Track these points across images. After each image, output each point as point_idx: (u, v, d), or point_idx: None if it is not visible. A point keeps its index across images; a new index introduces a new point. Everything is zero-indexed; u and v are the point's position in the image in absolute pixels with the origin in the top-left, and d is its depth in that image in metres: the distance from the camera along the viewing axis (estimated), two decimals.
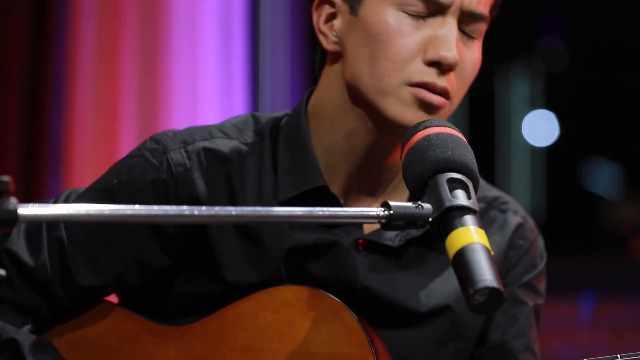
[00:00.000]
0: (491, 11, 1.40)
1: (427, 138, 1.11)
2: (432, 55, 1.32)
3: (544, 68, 8.00)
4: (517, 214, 1.53)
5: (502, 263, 1.47)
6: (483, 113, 7.53)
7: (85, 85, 3.24)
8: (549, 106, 8.03)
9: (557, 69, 8.18)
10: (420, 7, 1.33)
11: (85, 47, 3.23)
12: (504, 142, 7.78)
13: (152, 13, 3.39)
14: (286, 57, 3.89)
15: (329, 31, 1.40)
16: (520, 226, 1.52)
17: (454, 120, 1.44)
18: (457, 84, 1.36)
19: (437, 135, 1.12)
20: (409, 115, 1.33)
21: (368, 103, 1.36)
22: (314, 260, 1.38)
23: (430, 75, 1.33)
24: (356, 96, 1.38)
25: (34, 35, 3.12)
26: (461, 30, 1.35)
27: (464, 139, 1.14)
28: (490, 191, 1.53)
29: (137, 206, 0.97)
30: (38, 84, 3.14)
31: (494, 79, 7.85)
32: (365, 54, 1.35)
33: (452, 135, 1.12)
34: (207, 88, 3.51)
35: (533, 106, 8.07)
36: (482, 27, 1.38)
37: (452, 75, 1.34)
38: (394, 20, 1.33)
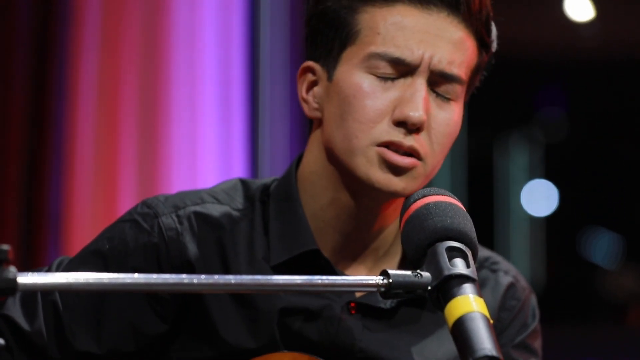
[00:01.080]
0: (472, 75, 1.41)
1: (426, 206, 1.12)
2: (398, 115, 1.34)
3: (543, 138, 8.03)
4: (508, 274, 1.54)
5: (494, 325, 1.48)
6: (482, 182, 7.55)
7: (85, 150, 3.25)
8: (548, 176, 8.04)
9: (556, 139, 8.21)
10: (388, 69, 1.35)
11: (84, 115, 3.25)
12: (503, 211, 7.77)
13: (151, 77, 3.42)
14: (285, 122, 3.90)
15: (311, 99, 1.43)
16: (511, 286, 1.53)
17: (452, 189, 1.45)
18: (429, 145, 1.36)
19: (436, 203, 1.13)
20: (377, 175, 1.35)
21: (341, 165, 1.38)
22: (308, 323, 1.38)
23: (396, 135, 1.34)
24: (332, 160, 1.40)
25: (33, 112, 3.14)
26: (434, 91, 1.37)
27: (463, 208, 1.14)
28: (481, 251, 1.47)
29: (136, 275, 0.98)
30: (37, 150, 3.15)
31: (492, 148, 7.88)
32: (338, 116, 1.37)
33: (451, 204, 1.13)
34: (206, 151, 3.53)
35: (532, 176, 8.08)
36: (457, 89, 1.38)
37: (421, 135, 1.35)
38: (363, 82, 1.36)
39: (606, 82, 7.43)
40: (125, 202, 3.23)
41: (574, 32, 7.17)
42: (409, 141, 1.34)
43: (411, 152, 1.35)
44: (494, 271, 1.54)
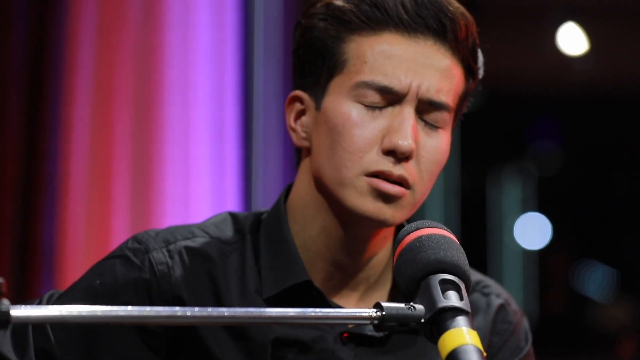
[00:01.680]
0: (459, 102, 1.41)
1: (420, 239, 1.12)
2: (387, 144, 1.33)
3: (536, 171, 8.07)
4: (499, 297, 1.53)
5: (486, 350, 1.38)
6: (475, 215, 7.56)
7: (78, 184, 3.25)
8: (541, 209, 8.06)
9: (549, 172, 8.25)
10: (376, 98, 1.34)
11: (78, 148, 3.25)
12: (496, 244, 7.78)
13: (144, 112, 3.43)
14: (278, 149, 3.91)
15: (299, 127, 1.43)
16: (502, 308, 1.52)
17: (445, 222, 1.45)
18: (418, 173, 1.36)
19: (429, 236, 1.12)
20: (367, 205, 1.34)
21: (330, 195, 1.37)
22: (301, 355, 1.37)
23: (386, 164, 1.33)
24: (321, 189, 1.40)
25: (27, 146, 3.15)
26: (423, 119, 1.36)
27: (456, 241, 1.14)
28: (473, 275, 1.44)
29: (129, 307, 0.97)
30: (31, 183, 3.15)
31: (485, 181, 7.90)
32: (326, 146, 1.37)
33: (444, 237, 1.13)
34: (199, 183, 3.53)
35: (525, 209, 8.10)
36: (445, 117, 1.38)
37: (410, 164, 1.34)
38: (351, 112, 1.35)
39: (599, 115, 7.47)
40: (118, 236, 3.23)
41: (567, 65, 7.22)
42: (398, 170, 1.33)
43: (400, 181, 1.34)
44: (486, 295, 1.52)
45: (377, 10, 1.36)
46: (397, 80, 1.34)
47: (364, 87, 1.35)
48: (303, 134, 1.43)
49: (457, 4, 1.38)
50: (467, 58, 1.40)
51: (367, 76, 1.35)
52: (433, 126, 1.37)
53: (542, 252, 8.06)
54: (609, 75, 7.11)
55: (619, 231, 7.46)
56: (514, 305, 1.56)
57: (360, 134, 1.34)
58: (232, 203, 3.60)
